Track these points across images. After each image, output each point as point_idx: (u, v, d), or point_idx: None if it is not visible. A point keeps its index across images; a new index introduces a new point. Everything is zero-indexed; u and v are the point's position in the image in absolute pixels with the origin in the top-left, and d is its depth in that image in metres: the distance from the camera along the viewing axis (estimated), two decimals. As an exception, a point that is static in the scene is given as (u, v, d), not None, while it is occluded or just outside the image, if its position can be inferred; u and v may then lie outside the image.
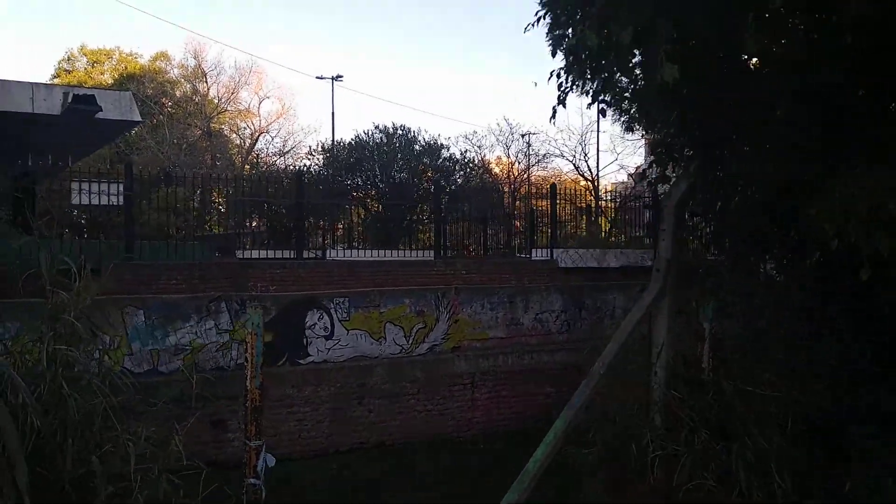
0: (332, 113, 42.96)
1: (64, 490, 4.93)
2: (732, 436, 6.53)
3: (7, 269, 7.06)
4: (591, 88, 6.39)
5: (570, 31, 6.14)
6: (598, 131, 34.03)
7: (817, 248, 5.35)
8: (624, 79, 6.81)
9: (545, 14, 6.36)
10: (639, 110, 7.30)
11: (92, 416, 5.26)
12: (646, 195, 19.43)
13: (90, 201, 14.95)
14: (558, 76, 6.45)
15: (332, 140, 36.91)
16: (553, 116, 6.90)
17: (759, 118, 6.02)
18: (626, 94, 6.99)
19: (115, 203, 15.26)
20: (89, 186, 14.68)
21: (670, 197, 6.97)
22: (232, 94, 47.40)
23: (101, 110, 15.77)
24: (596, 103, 6.53)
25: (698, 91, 5.96)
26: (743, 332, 7.10)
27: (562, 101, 6.60)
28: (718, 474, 6.40)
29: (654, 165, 7.03)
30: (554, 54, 6.39)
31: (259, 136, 48.24)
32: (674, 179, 6.99)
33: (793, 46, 5.40)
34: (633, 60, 6.24)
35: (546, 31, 6.44)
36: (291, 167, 38.88)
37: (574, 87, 6.42)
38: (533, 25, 6.50)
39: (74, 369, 5.33)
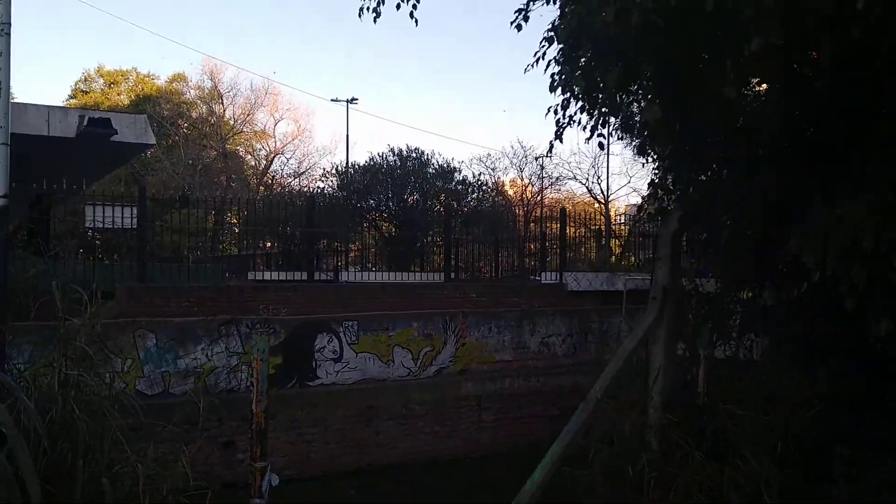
0: (347, 136, 43.60)
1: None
2: (724, 458, 6.69)
3: (21, 294, 7.31)
4: (586, 125, 6.61)
5: (566, 68, 6.36)
6: (607, 155, 34.12)
7: (803, 277, 5.50)
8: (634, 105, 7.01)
9: (542, 55, 6.61)
10: (642, 139, 7.49)
11: (102, 439, 5.44)
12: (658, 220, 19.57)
13: (104, 224, 15.26)
14: (555, 112, 6.67)
15: (347, 162, 37.27)
16: (550, 150, 7.16)
17: (744, 152, 6.22)
18: (633, 121, 7.16)
19: (128, 226, 15.56)
20: (103, 210, 14.99)
21: (666, 226, 7.15)
22: (248, 115, 47.94)
23: (117, 133, 16.07)
24: (593, 137, 6.74)
25: (688, 125, 6.16)
26: (737, 357, 7.26)
27: (559, 136, 6.84)
28: (711, 495, 6.55)
29: (651, 197, 7.22)
30: (552, 90, 6.62)
31: (274, 157, 48.68)
32: (670, 209, 7.17)
33: (771, 87, 5.61)
34: (626, 98, 6.47)
35: (544, 69, 6.69)
36: (306, 188, 39.27)
37: (570, 123, 6.64)
38: (532, 66, 6.75)
39: (85, 393, 5.53)
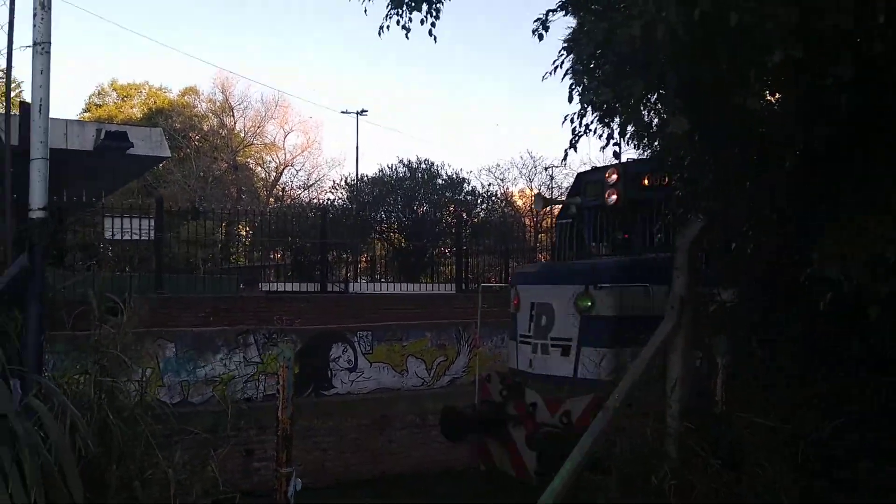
0: (357, 147, 43.70)
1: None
2: (742, 466, 6.71)
3: (54, 305, 7.45)
4: (603, 134, 6.71)
5: (585, 79, 6.48)
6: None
7: (829, 288, 5.55)
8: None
9: (561, 63, 6.73)
10: (660, 150, 7.57)
11: (135, 445, 5.56)
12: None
13: (122, 236, 15.46)
14: (571, 121, 6.78)
15: (357, 174, 37.51)
16: (564, 159, 7.30)
17: (766, 164, 6.31)
18: (652, 131, 7.24)
19: (145, 238, 15.76)
20: (121, 222, 15.18)
21: (684, 236, 7.21)
22: (258, 127, 48.33)
23: (133, 146, 16.28)
24: (609, 146, 6.86)
25: (708, 136, 6.26)
26: (755, 366, 7.29)
27: (573, 145, 6.93)
28: (730, 502, 6.58)
29: (670, 208, 7.28)
30: (570, 100, 6.74)
31: (284, 169, 49.07)
32: (689, 219, 7.22)
33: (786, 95, 5.72)
34: (647, 110, 6.59)
35: (562, 77, 6.81)
36: (315, 200, 39.53)
37: (587, 132, 6.74)
38: (550, 74, 6.87)
39: (118, 400, 5.66)
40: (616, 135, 6.79)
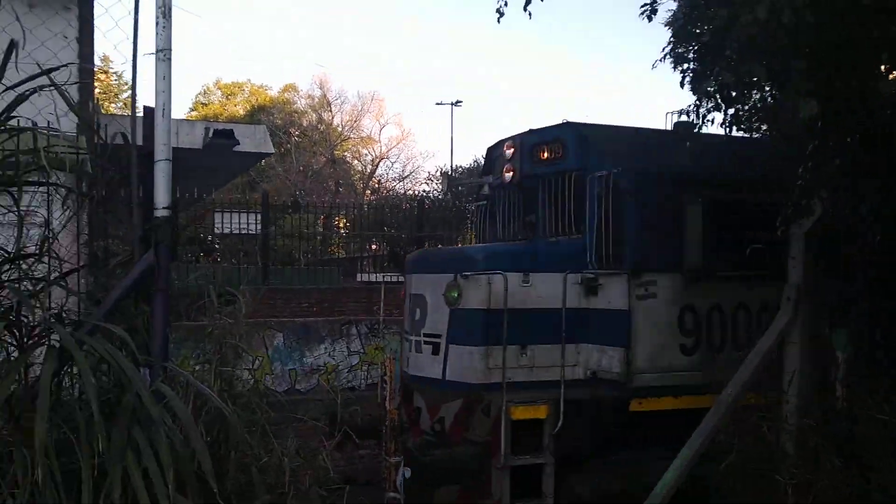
0: (451, 138, 43.90)
1: (228, 499, 5.40)
2: (866, 464, 6.40)
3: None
4: (725, 122, 6.62)
5: (693, 64, 6.37)
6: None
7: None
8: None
9: (671, 50, 6.62)
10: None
11: (251, 431, 5.74)
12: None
13: (231, 230, 16.05)
14: (688, 115, 6.71)
15: (451, 165, 37.71)
16: None
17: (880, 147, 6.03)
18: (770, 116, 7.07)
19: (250, 231, 16.29)
20: (230, 217, 15.74)
21: (801, 225, 6.94)
22: (355, 121, 49.25)
23: (239, 143, 16.80)
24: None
25: (835, 123, 6.00)
26: (879, 361, 6.95)
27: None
28: (852, 500, 6.29)
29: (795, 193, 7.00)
30: (682, 86, 6.64)
31: (380, 161, 49.82)
32: (811, 206, 6.90)
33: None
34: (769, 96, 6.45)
35: (673, 65, 6.72)
36: (410, 191, 39.99)
37: (704, 122, 6.65)
38: (661, 60, 6.78)
39: (234, 388, 5.86)
40: (737, 123, 6.69)
